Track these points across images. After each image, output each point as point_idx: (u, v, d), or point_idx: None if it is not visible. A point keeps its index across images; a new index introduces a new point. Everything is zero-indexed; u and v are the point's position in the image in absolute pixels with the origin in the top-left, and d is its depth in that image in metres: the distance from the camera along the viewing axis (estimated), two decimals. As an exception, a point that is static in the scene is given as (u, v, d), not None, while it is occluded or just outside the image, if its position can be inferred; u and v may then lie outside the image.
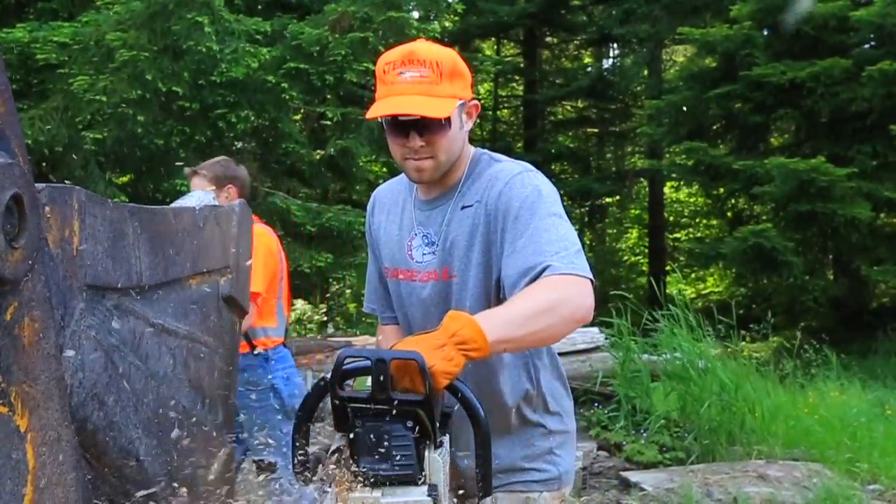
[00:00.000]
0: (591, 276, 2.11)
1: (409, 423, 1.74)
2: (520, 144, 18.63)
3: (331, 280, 15.49)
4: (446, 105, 2.17)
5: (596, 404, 6.65)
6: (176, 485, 1.60)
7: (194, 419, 1.75)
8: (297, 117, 10.76)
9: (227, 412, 1.96)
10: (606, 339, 7.14)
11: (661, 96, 14.90)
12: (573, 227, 2.26)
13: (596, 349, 7.19)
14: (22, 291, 1.10)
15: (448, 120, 2.17)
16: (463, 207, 2.30)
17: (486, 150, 2.41)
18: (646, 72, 17.96)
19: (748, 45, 13.24)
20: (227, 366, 1.97)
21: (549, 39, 19.18)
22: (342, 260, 10.50)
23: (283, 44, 8.51)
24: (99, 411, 1.35)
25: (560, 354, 2.60)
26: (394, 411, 1.73)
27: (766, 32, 13.77)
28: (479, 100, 2.36)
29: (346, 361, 1.78)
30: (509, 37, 19.03)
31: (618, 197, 19.28)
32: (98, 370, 1.35)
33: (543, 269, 2.07)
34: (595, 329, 7.33)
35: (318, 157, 10.54)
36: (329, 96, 10.24)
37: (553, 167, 17.73)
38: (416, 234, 2.37)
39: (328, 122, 10.68)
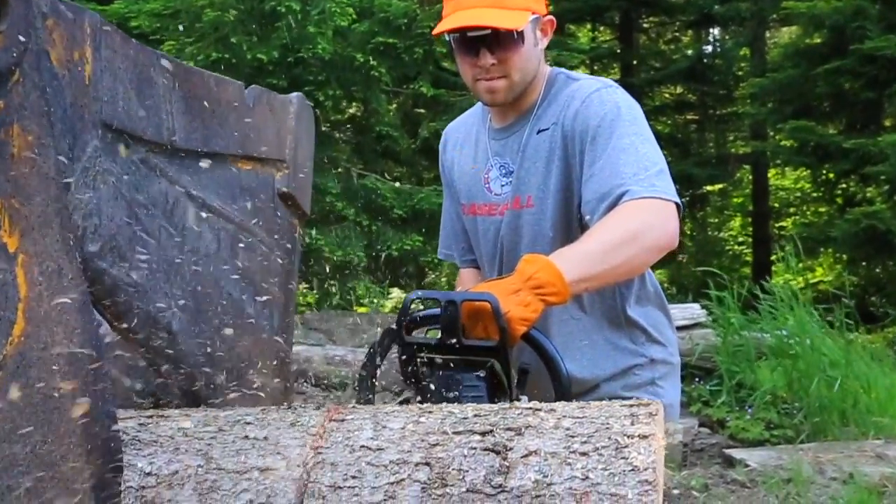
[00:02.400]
0: (675, 198, 1.93)
1: (482, 374, 1.57)
2: (616, 131, 18.14)
3: (426, 270, 15.45)
4: (518, 17, 1.99)
5: (697, 379, 6.31)
6: (218, 374, 1.46)
7: (244, 313, 1.60)
8: (393, 107, 10.68)
9: (284, 319, 1.81)
10: (708, 314, 6.82)
11: (764, 75, 14.30)
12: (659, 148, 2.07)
13: (697, 325, 6.87)
14: (10, 94, 0.96)
15: (521, 34, 2.01)
16: (539, 131, 2.14)
17: (563, 69, 2.25)
18: (748, 52, 17.29)
19: (859, 17, 12.52)
20: (286, 269, 1.82)
21: (645, 23, 18.68)
22: (434, 243, 10.40)
23: (371, 19, 8.46)
24: (119, 266, 1.20)
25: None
26: (465, 359, 1.57)
27: (878, 4, 13.03)
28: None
29: (413, 304, 1.63)
30: (604, 21, 18.59)
31: (720, 185, 18.64)
32: (118, 221, 1.21)
33: (622, 195, 1.89)
34: (696, 305, 7.03)
35: (411, 143, 10.45)
36: (419, 83, 10.11)
37: (651, 153, 17.30)
38: (492, 166, 2.22)
39: (422, 111, 10.61)
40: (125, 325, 1.22)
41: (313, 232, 8.80)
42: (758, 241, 17.65)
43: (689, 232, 19.82)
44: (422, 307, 1.73)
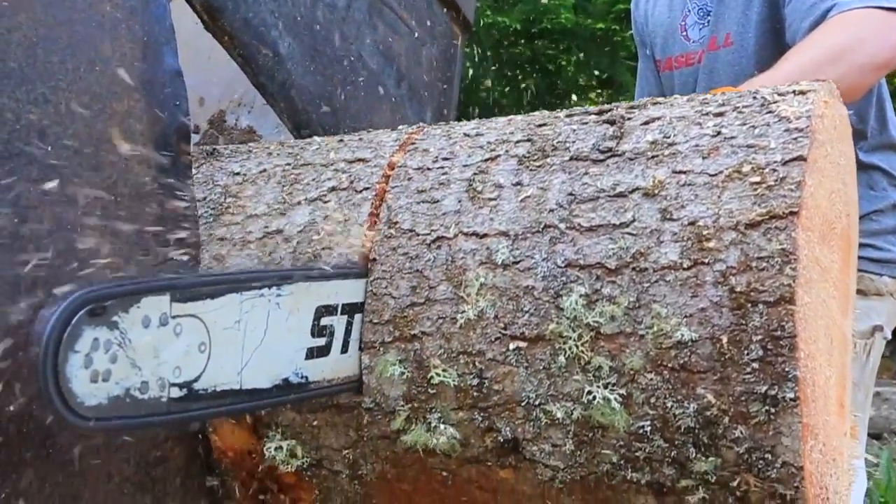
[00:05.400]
0: None
1: None
2: None
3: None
4: None
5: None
6: (338, 127, 1.35)
7: (382, 88, 1.49)
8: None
9: (438, 116, 1.68)
10: None
11: None
12: None
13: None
14: None
15: None
16: None
17: None
18: None
19: None
20: (442, 71, 1.69)
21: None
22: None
23: (613, -12, 8.25)
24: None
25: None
26: None
27: None
28: None
29: None
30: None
31: None
32: None
33: (829, 10, 1.59)
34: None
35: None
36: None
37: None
38: (689, 10, 1.97)
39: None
40: (216, 22, 1.14)
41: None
42: None
43: None
44: None
